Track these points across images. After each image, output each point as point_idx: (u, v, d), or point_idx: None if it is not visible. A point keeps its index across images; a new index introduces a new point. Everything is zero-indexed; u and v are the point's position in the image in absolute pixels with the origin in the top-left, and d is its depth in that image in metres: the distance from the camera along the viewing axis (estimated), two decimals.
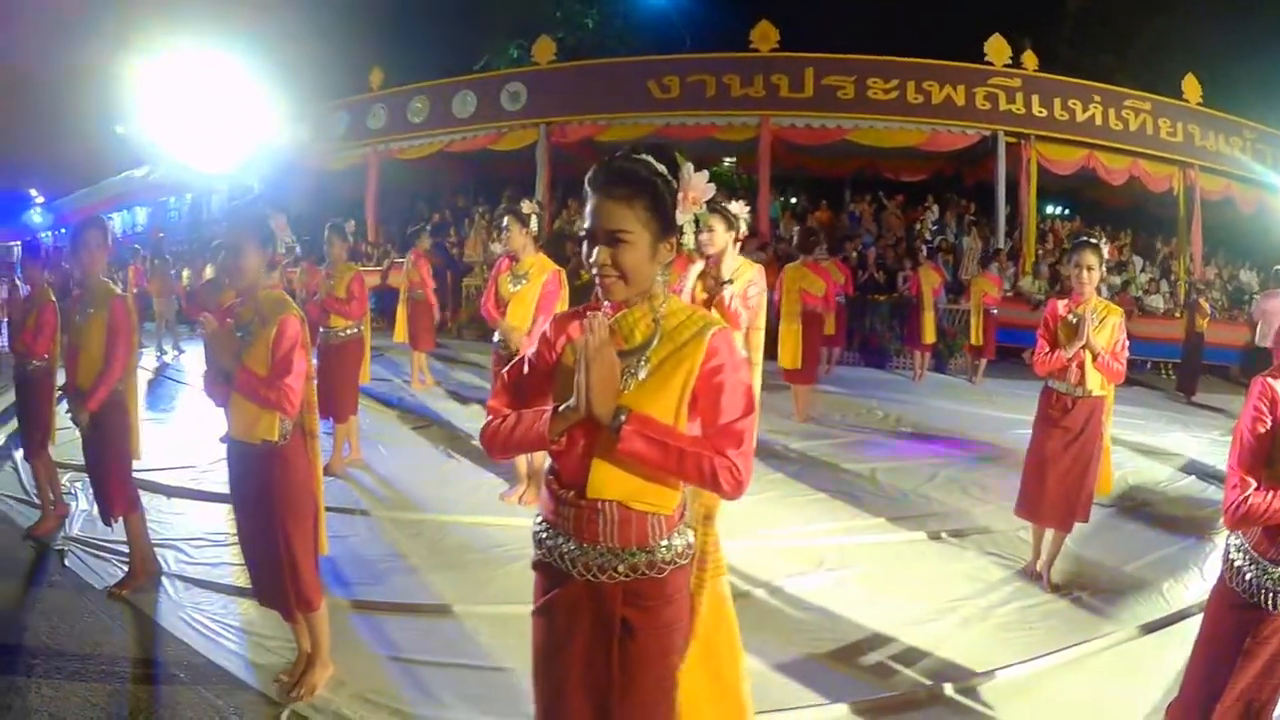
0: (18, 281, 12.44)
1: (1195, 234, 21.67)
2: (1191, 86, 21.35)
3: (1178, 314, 18.23)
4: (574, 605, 2.81)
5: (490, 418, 2.89)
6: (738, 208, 6.00)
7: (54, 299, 7.56)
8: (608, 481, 2.72)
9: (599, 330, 2.59)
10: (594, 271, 2.73)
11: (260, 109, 22.15)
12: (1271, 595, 3.39)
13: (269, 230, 4.55)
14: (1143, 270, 22.16)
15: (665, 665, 2.83)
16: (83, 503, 7.79)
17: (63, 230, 40.14)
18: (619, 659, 2.75)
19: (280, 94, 23.01)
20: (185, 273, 20.31)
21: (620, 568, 2.75)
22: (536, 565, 2.94)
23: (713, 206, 5.67)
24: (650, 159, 2.73)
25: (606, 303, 2.83)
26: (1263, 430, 3.43)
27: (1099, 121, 20.48)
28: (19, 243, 40.19)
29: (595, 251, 2.70)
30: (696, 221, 2.79)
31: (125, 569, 6.24)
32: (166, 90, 21.61)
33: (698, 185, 2.78)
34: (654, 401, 2.69)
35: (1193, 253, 21.73)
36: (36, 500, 7.78)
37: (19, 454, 9.20)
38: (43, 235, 40.04)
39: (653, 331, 2.77)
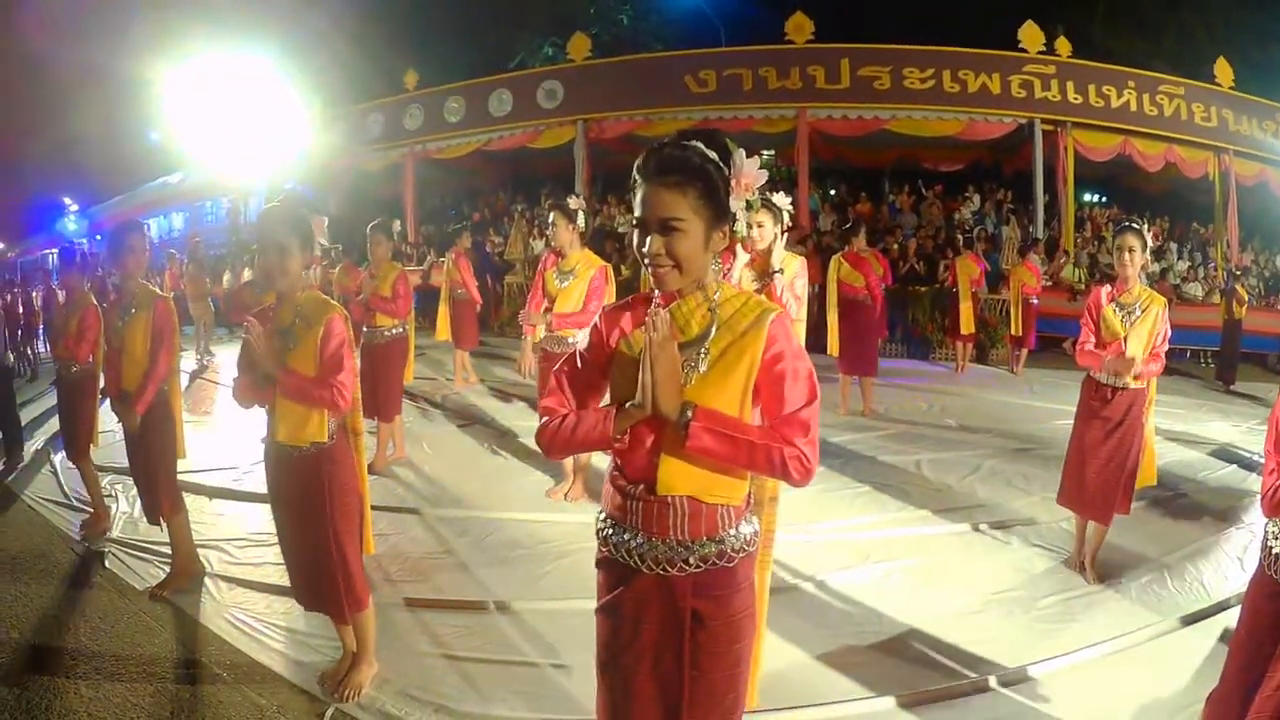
0: (55, 288, 12.55)
1: (1231, 219, 21.49)
2: (1224, 71, 21.17)
3: (1216, 301, 18.07)
4: (642, 600, 2.83)
5: (546, 419, 2.90)
6: (782, 200, 6.03)
7: (95, 303, 7.68)
8: (678, 477, 2.74)
9: (662, 326, 2.62)
10: (646, 262, 2.74)
11: (295, 113, 22.31)
12: None
13: (309, 231, 4.57)
14: (1180, 257, 21.99)
15: (734, 654, 2.84)
16: (123, 504, 7.90)
17: (98, 238, 40.44)
18: (690, 651, 2.78)
19: (314, 97, 23.15)
20: (225, 276, 20.49)
21: (691, 560, 2.77)
22: (601, 562, 2.97)
23: (761, 200, 5.70)
24: (701, 146, 2.72)
25: (658, 293, 2.84)
26: None
27: (1134, 107, 20.36)
28: (55, 250, 40.63)
29: (649, 240, 2.70)
30: (748, 208, 2.81)
31: (166, 570, 6.32)
32: (200, 96, 21.80)
33: (750, 171, 2.78)
34: (718, 393, 2.71)
35: (1229, 239, 21.52)
36: (77, 503, 7.95)
37: (58, 458, 9.36)
38: (78, 242, 40.39)
39: (710, 321, 2.78)
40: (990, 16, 22.19)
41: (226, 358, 17.13)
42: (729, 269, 5.86)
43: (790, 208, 6.10)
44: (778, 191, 6.12)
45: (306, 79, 22.87)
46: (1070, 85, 20.10)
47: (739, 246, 5.81)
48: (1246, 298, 17.02)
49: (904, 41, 20.62)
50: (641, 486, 2.78)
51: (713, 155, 2.72)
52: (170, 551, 6.32)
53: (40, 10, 27.20)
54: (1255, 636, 3.52)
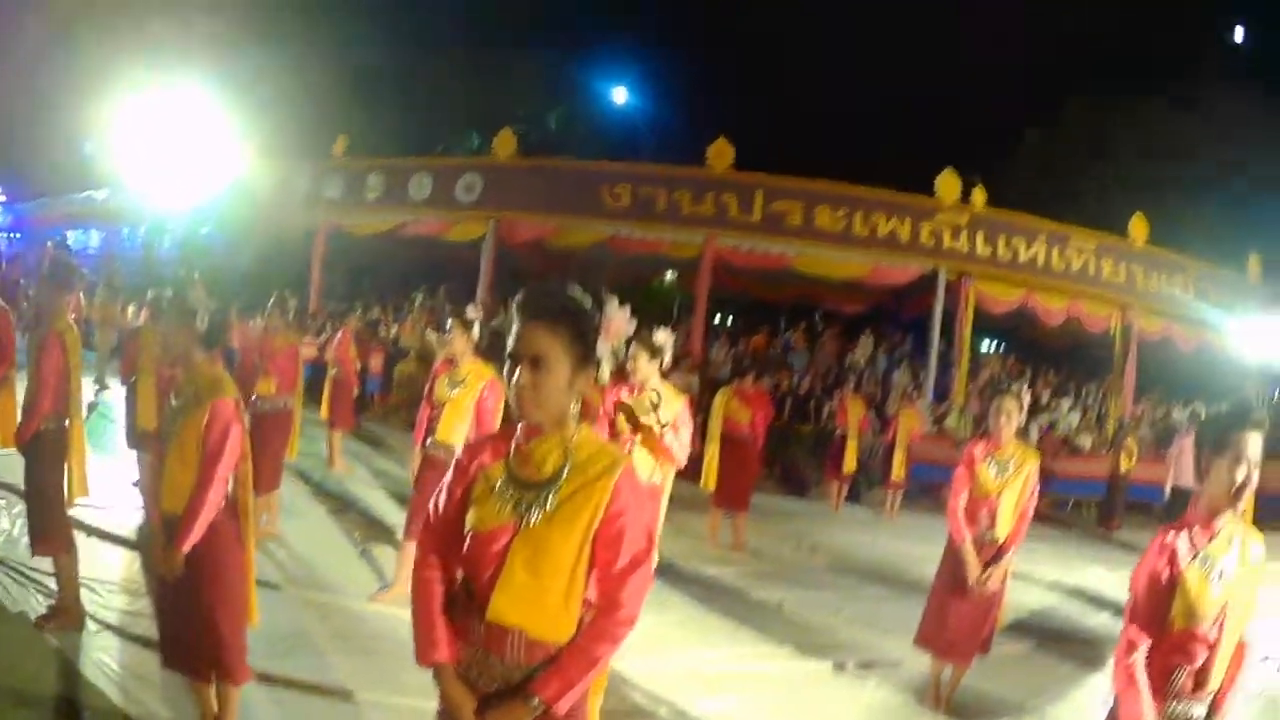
0: None
1: (1129, 373, 21.72)
2: (1139, 226, 21.36)
3: (1104, 452, 18.53)
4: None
5: (416, 568, 3.11)
6: (663, 336, 6.18)
7: (8, 312, 7.52)
8: (508, 609, 2.90)
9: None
10: (512, 394, 2.91)
11: (225, 154, 22.12)
12: None
13: (188, 304, 4.65)
14: (1071, 409, 22.43)
15: None
16: (3, 522, 7.78)
17: (17, 235, 40.21)
18: None
19: (246, 142, 23.02)
20: (129, 309, 20.21)
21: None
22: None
23: (639, 337, 5.85)
24: (577, 291, 2.93)
25: (519, 425, 2.99)
26: (1158, 587, 3.59)
27: (1041, 261, 20.58)
28: None
29: (517, 373, 2.87)
30: (621, 355, 2.96)
31: (42, 597, 6.33)
32: (138, 118, 21.57)
33: (620, 320, 3.05)
34: (562, 534, 2.85)
35: (1125, 392, 21.96)
36: None
37: None
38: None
39: (563, 462, 2.91)
40: (910, 157, 22.63)
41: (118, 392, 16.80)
42: (608, 398, 6.04)
43: (669, 344, 6.24)
44: (664, 326, 6.28)
45: (242, 124, 22.73)
46: (980, 236, 20.26)
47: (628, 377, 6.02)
48: (1136, 449, 17.45)
49: (822, 174, 20.81)
50: (479, 610, 2.92)
51: (586, 301, 2.92)
52: (55, 585, 6.25)
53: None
54: None
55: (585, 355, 2.90)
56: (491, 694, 2.88)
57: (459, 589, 3.02)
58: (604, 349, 2.95)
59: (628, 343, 6.57)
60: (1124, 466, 17.03)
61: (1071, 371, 25.62)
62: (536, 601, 2.85)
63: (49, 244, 24.48)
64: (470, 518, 2.96)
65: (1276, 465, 7.56)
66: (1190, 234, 23.80)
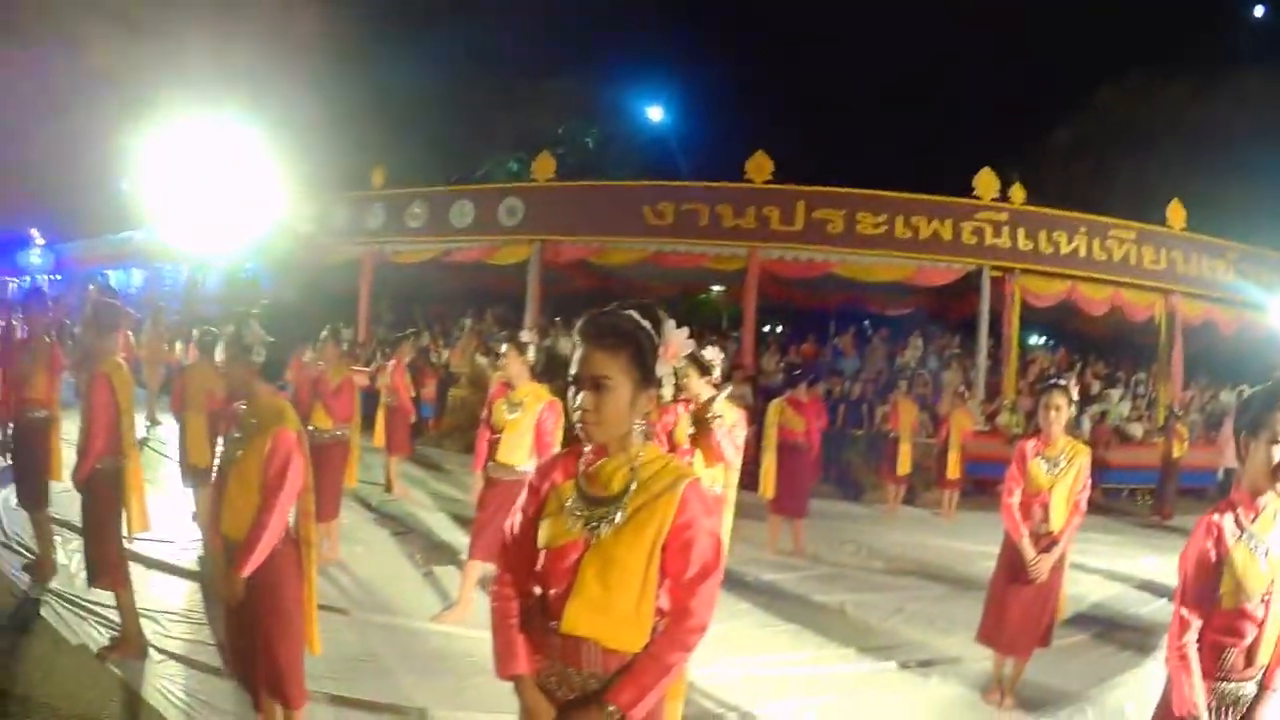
0: (13, 322, 12.34)
1: (1176, 360, 21.69)
2: (1176, 212, 21.35)
3: (1156, 440, 18.47)
4: None
5: (496, 591, 3.23)
6: (712, 353, 6.27)
7: (59, 347, 7.72)
8: (581, 620, 3.00)
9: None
10: (576, 416, 3.03)
11: (264, 190, 22.30)
12: (1216, 709, 3.62)
13: (245, 340, 4.78)
14: (1121, 399, 22.33)
15: None
16: (61, 557, 7.92)
17: (58, 276, 40.39)
18: None
19: (285, 177, 23.20)
20: (177, 346, 20.47)
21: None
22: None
23: (689, 355, 5.95)
24: (636, 314, 3.05)
25: (587, 446, 3.11)
26: (1206, 566, 3.65)
27: (1083, 253, 20.57)
28: (16, 280, 40.64)
29: (580, 396, 2.99)
30: (675, 374, 3.07)
31: (102, 629, 6.47)
32: (176, 156, 21.76)
33: (678, 341, 3.13)
34: (630, 548, 2.97)
35: (1173, 378, 21.86)
36: (16, 546, 8.17)
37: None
38: (40, 278, 39.93)
39: (630, 479, 3.03)
40: (946, 160, 22.59)
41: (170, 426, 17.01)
42: (675, 421, 6.14)
43: (719, 360, 6.33)
44: (711, 344, 6.40)
45: (280, 159, 22.90)
46: (1021, 232, 20.26)
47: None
48: (1187, 435, 17.42)
49: (860, 184, 20.80)
50: (554, 623, 3.03)
51: (646, 323, 3.05)
52: (117, 617, 6.41)
53: (32, 35, 27.27)
54: None
55: (646, 376, 3.03)
56: (569, 703, 2.99)
57: (534, 604, 3.12)
58: (664, 369, 3.07)
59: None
60: (1176, 453, 17.04)
61: (1119, 361, 25.40)
62: (608, 612, 2.96)
63: (91, 287, 24.69)
64: (542, 535, 3.08)
65: None
66: (1228, 216, 23.58)
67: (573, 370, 3.01)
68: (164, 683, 5.83)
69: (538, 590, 3.10)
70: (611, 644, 2.97)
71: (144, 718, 5.40)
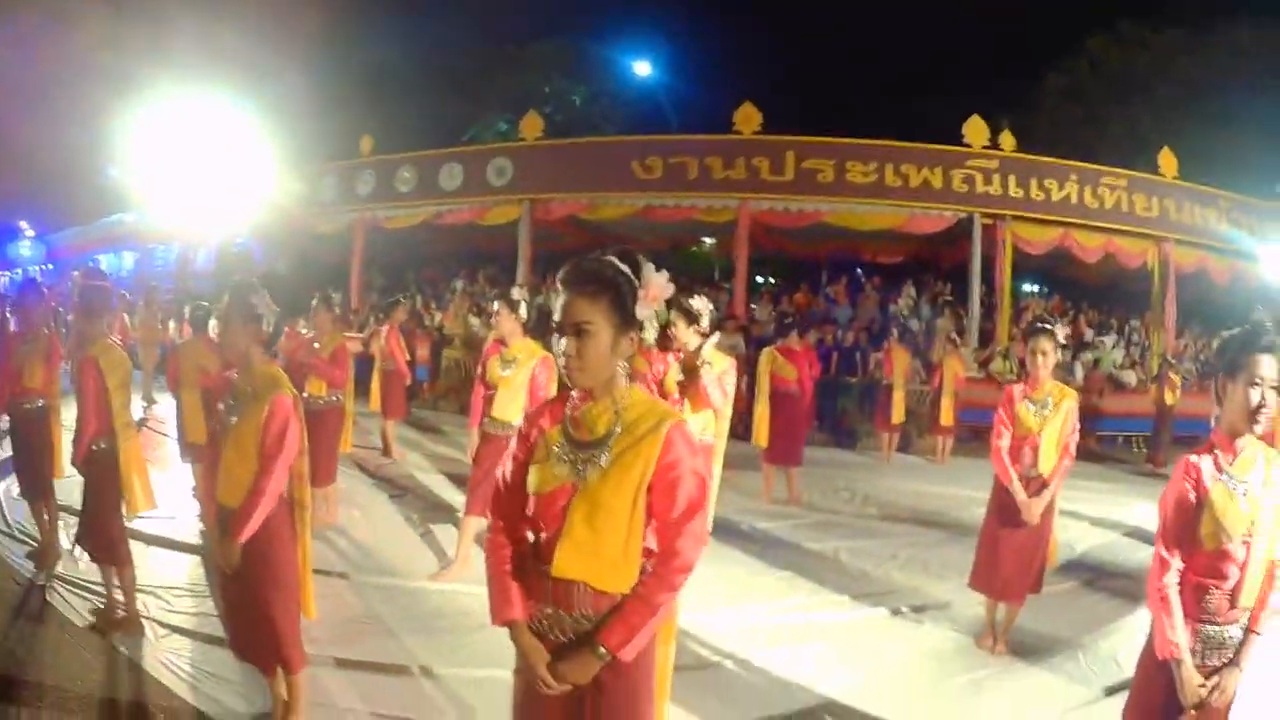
0: (7, 314, 12.34)
1: (1169, 308, 21.76)
2: (1168, 160, 21.47)
3: (1150, 387, 18.54)
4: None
5: (490, 538, 3.30)
6: (700, 303, 6.30)
7: (56, 336, 7.75)
8: (572, 563, 3.05)
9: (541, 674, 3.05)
10: (561, 363, 3.09)
11: (253, 165, 22.26)
12: (1201, 652, 3.65)
13: (260, 308, 4.79)
14: (1115, 346, 22.41)
15: (636, 718, 3.16)
16: (64, 541, 7.94)
17: (50, 266, 40.47)
18: (592, 713, 3.07)
19: (273, 152, 23.15)
20: (170, 324, 20.49)
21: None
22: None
23: (676, 304, 6.00)
24: (615, 260, 3.09)
25: (574, 391, 3.17)
26: (1186, 507, 3.70)
27: (1074, 200, 20.64)
28: (7, 273, 40.51)
29: (563, 342, 3.04)
30: (657, 317, 3.13)
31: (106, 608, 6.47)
32: (162, 137, 21.71)
33: (657, 283, 3.15)
34: (615, 489, 3.02)
35: (1166, 326, 21.91)
36: (19, 535, 8.18)
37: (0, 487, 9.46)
38: (32, 269, 39.88)
39: (614, 422, 3.09)
40: (937, 109, 22.55)
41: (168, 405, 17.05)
42: (665, 370, 6.19)
43: (706, 310, 6.36)
44: (699, 294, 6.42)
45: (267, 134, 22.84)
46: (1012, 179, 20.32)
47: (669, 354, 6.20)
48: (1180, 383, 17.49)
49: (849, 133, 20.93)
50: (545, 566, 3.08)
51: (625, 268, 3.09)
52: (120, 595, 6.45)
53: (13, 25, 27.08)
54: (1149, 707, 3.79)
55: (626, 320, 3.07)
56: (563, 645, 3.05)
57: (527, 550, 3.18)
58: (644, 312, 3.11)
59: (668, 312, 6.74)
60: (1169, 401, 17.08)
61: (1112, 308, 25.40)
62: (597, 555, 3.02)
63: (75, 273, 24.65)
64: (532, 480, 3.14)
65: None
66: (1220, 166, 23.64)
67: (556, 317, 3.07)
68: (169, 656, 5.86)
69: (530, 536, 3.17)
70: (601, 586, 3.03)
71: (151, 692, 5.41)
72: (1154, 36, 32.34)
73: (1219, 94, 29.50)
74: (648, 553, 3.10)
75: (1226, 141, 26.69)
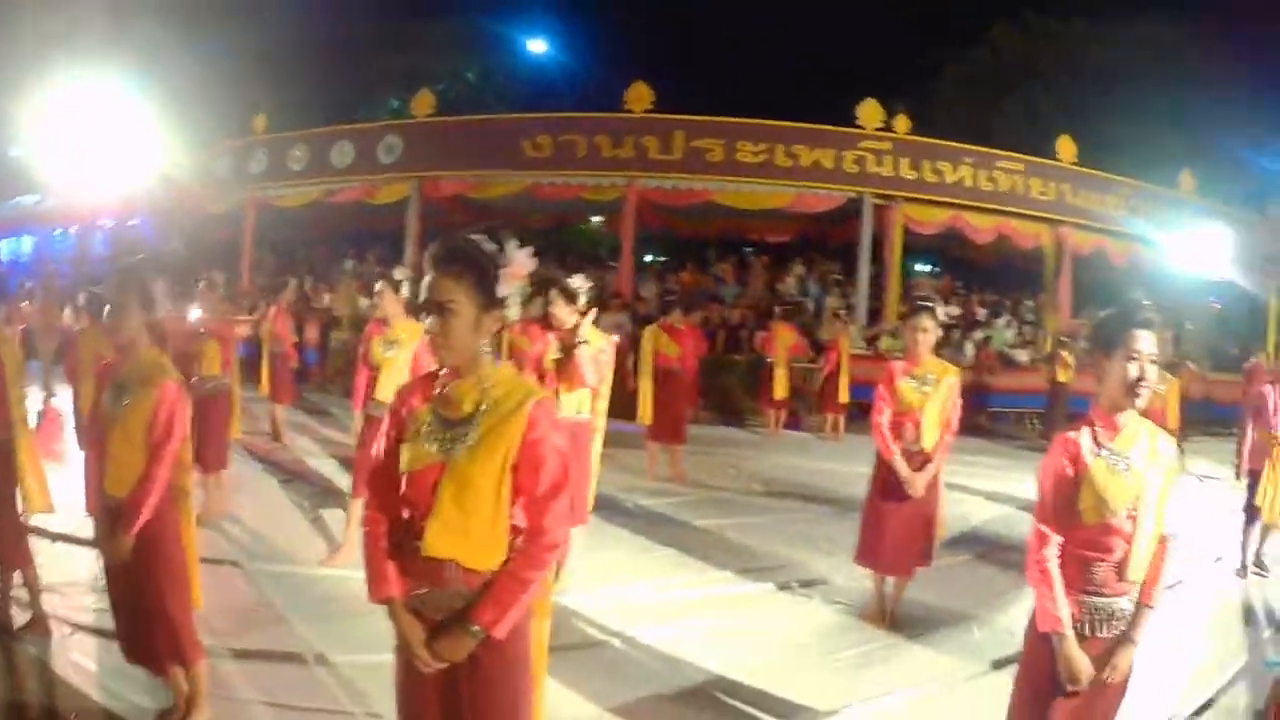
0: None
1: (1064, 289, 22.24)
2: (1066, 147, 21.88)
3: (1042, 366, 18.91)
4: None
5: (366, 526, 3.32)
6: (579, 281, 6.37)
7: None
8: (441, 542, 3.11)
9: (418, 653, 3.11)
10: (428, 340, 3.17)
11: (147, 145, 21.85)
12: (1088, 623, 3.73)
13: (149, 292, 4.73)
14: (1007, 326, 22.80)
15: (511, 697, 3.22)
16: None
17: None
18: (469, 693, 3.13)
19: (168, 131, 22.75)
20: (66, 311, 20.06)
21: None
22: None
23: (555, 283, 6.07)
24: (479, 240, 3.15)
25: (443, 370, 3.22)
26: (1064, 481, 3.76)
27: (969, 183, 20.91)
28: None
29: (429, 320, 3.10)
30: (522, 295, 3.22)
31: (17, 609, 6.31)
32: (56, 119, 21.26)
33: (519, 260, 3.21)
34: (482, 467, 3.07)
35: (1061, 306, 22.36)
36: None
37: None
38: None
39: (480, 400, 3.13)
40: (834, 94, 22.74)
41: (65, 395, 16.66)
42: (545, 349, 6.27)
43: (584, 289, 6.43)
44: (591, 268, 6.50)
45: (162, 114, 22.39)
46: (905, 162, 20.53)
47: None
48: (1072, 362, 17.75)
49: (744, 110, 21.07)
50: (418, 544, 3.12)
51: (489, 248, 3.14)
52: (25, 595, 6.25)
53: None
54: (1037, 680, 3.84)
55: (489, 299, 3.11)
56: (439, 623, 3.09)
57: (401, 528, 3.21)
58: (506, 290, 3.15)
59: (547, 291, 6.79)
60: (1061, 378, 17.45)
61: (1006, 289, 25.77)
62: (466, 533, 3.06)
63: None
64: (404, 459, 3.17)
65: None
66: (1122, 156, 24.13)
67: (423, 296, 3.13)
68: (77, 656, 5.76)
69: (405, 514, 3.20)
70: (471, 564, 3.08)
71: (60, 693, 5.35)
72: (1058, 26, 32.83)
73: (1123, 85, 30.01)
74: (516, 530, 3.15)
75: (1129, 132, 27.19)
